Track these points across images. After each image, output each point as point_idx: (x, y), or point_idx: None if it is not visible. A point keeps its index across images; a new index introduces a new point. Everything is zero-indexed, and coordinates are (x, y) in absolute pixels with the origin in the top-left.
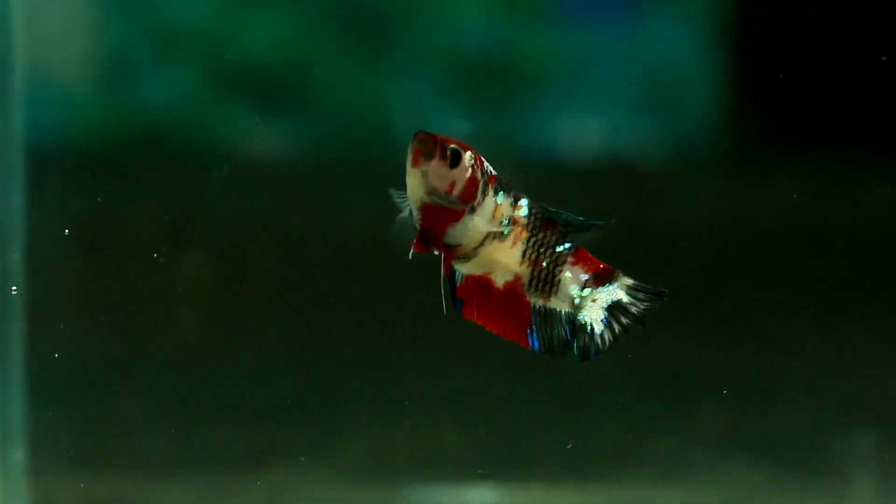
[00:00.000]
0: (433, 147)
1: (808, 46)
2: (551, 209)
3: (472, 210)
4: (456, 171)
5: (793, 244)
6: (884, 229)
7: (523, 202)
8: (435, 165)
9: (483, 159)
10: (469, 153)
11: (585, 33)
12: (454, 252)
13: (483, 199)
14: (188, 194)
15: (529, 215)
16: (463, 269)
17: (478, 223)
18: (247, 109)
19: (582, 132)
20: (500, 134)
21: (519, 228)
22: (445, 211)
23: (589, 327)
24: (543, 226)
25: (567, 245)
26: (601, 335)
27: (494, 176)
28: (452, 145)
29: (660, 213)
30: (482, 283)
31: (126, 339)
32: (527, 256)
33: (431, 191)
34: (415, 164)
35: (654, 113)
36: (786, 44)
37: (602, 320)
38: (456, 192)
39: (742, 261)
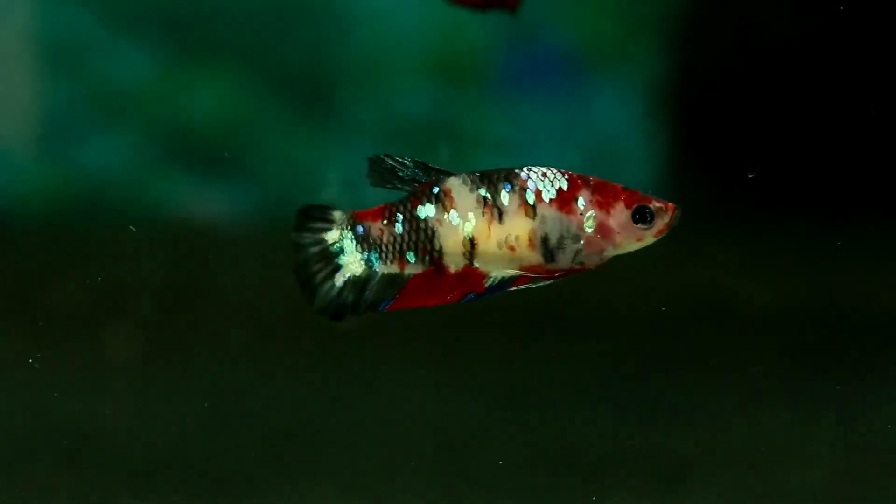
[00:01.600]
0: (674, 218)
1: (745, 121)
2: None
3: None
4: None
5: (717, 318)
6: (815, 309)
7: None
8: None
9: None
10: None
11: (527, 101)
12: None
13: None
14: (127, 260)
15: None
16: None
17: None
18: (188, 174)
19: None
20: None
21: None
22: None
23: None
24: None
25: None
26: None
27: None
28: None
29: (595, 282)
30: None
31: (47, 410)
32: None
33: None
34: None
35: None
36: (723, 116)
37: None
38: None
39: (670, 335)
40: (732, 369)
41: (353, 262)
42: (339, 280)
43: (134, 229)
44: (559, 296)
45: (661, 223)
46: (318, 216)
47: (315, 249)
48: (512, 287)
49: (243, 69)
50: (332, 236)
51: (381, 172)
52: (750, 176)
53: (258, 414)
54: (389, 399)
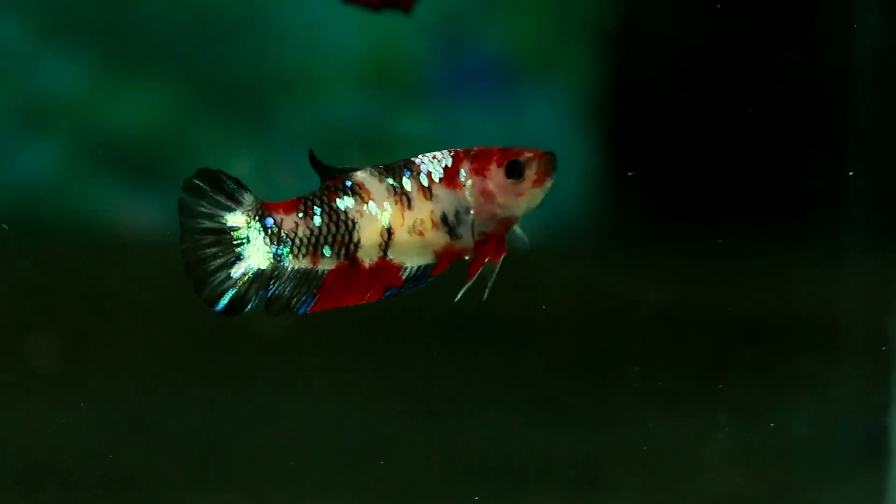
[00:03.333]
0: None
1: (680, 127)
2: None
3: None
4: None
5: (656, 330)
6: (753, 314)
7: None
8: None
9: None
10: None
11: (458, 110)
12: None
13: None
14: (55, 270)
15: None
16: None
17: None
18: (118, 183)
19: None
20: None
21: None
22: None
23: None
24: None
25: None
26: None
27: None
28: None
29: (528, 297)
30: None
31: None
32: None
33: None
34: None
35: None
36: (656, 124)
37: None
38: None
39: (607, 348)
40: (626, 372)
41: (257, 255)
42: (237, 272)
43: (6, 227)
44: (470, 304)
45: (531, 173)
46: (227, 190)
47: (211, 226)
48: (431, 275)
49: (174, 77)
50: (236, 220)
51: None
52: (630, 174)
53: (166, 421)
54: (304, 406)
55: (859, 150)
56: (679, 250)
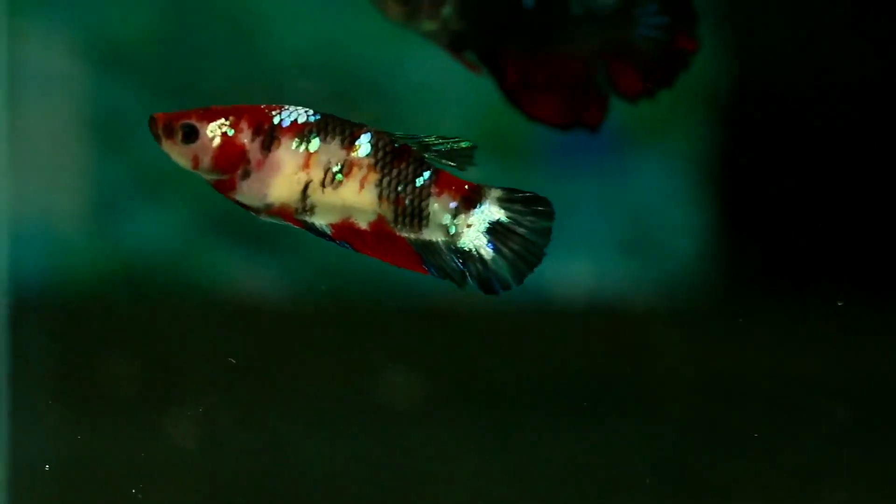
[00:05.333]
0: (157, 128)
1: (792, 191)
2: (403, 136)
3: (247, 174)
4: (195, 145)
5: (775, 397)
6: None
7: (362, 140)
8: (168, 146)
9: (281, 110)
10: (214, 123)
11: (569, 175)
12: (271, 211)
13: (266, 156)
14: (174, 338)
15: (375, 153)
16: (315, 220)
17: (261, 185)
18: (237, 248)
19: (566, 274)
20: None
21: (363, 171)
22: (218, 182)
23: (476, 253)
24: (395, 160)
25: (426, 174)
26: (495, 262)
27: (304, 124)
28: (184, 121)
29: (643, 357)
30: (349, 228)
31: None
32: (384, 197)
33: (186, 167)
34: (159, 144)
35: (638, 255)
36: (769, 189)
37: (488, 245)
38: (204, 164)
39: (719, 413)
40: (748, 441)
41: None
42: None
43: None
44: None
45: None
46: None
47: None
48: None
49: None
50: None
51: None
52: None
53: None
54: (444, 474)
55: None
56: (795, 314)
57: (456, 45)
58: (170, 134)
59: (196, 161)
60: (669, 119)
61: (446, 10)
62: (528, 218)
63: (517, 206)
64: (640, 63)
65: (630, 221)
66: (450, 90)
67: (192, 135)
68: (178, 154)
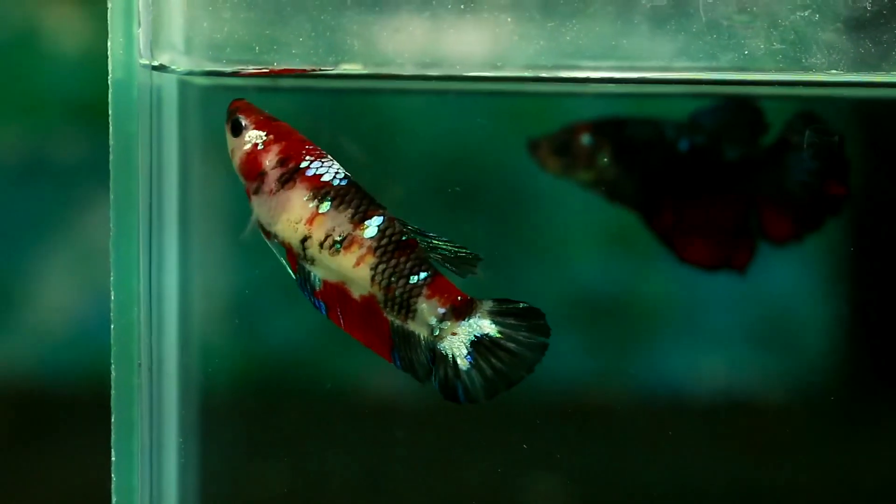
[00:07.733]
0: (233, 111)
1: None
2: (415, 230)
3: (259, 192)
4: (235, 140)
5: None
6: None
7: (372, 222)
8: (227, 129)
9: (325, 161)
10: (261, 133)
11: (701, 273)
12: (277, 240)
13: (279, 189)
14: (311, 440)
15: (379, 238)
16: (315, 271)
17: (268, 211)
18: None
19: (700, 369)
20: (619, 371)
21: (363, 250)
22: (246, 185)
23: (451, 360)
24: (397, 251)
25: (423, 275)
26: (468, 374)
27: (324, 183)
28: (243, 116)
29: (777, 450)
30: (340, 291)
31: None
32: (376, 281)
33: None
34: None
35: (771, 352)
36: None
37: (466, 357)
38: (234, 160)
39: None
40: None
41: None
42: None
43: None
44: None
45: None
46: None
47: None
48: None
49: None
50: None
51: None
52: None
53: None
54: None
55: None
56: None
57: (613, 193)
58: (227, 122)
59: (232, 154)
60: None
61: (602, 161)
62: (523, 333)
63: (510, 320)
64: (792, 209)
65: (762, 318)
66: (580, 201)
67: (237, 130)
68: (228, 139)
